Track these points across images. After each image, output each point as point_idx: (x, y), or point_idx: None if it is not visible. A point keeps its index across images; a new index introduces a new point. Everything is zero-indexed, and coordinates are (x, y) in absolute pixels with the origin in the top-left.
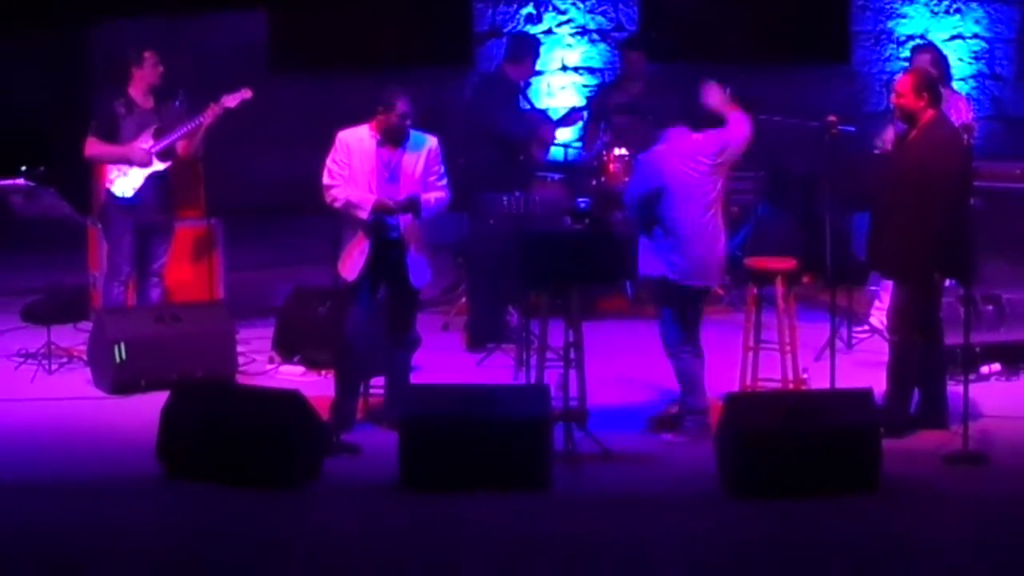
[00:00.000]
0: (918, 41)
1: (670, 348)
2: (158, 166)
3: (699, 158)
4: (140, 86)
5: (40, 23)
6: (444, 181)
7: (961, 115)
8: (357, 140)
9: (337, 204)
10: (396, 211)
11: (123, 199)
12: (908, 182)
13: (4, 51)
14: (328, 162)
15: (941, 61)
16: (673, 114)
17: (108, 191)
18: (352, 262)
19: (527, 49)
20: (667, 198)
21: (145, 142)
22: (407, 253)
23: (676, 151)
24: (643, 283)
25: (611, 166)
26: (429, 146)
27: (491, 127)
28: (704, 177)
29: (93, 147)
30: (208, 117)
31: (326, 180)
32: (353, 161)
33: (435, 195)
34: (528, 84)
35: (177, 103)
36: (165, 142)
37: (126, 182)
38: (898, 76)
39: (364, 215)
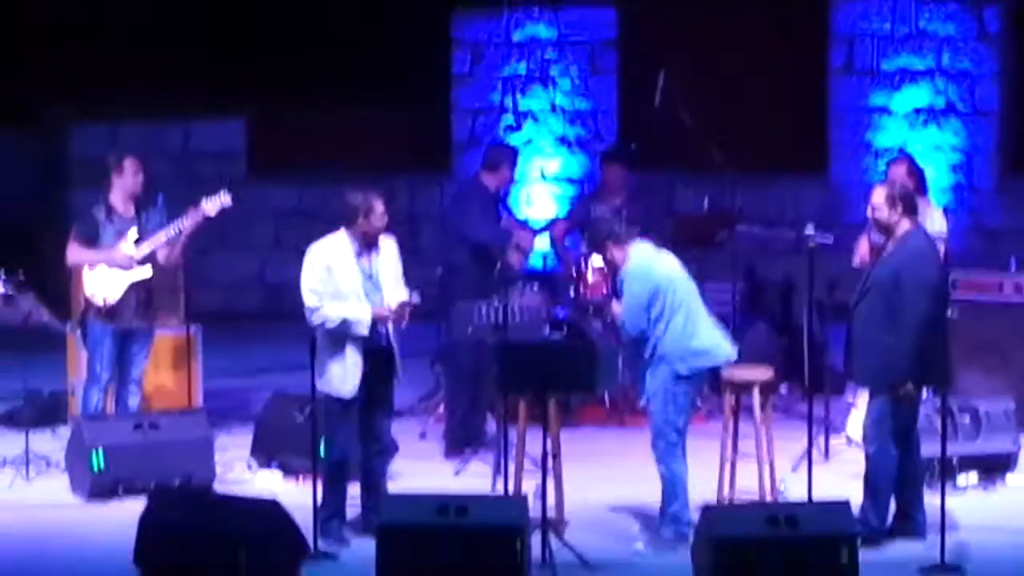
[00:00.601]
0: (895, 153)
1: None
2: (139, 272)
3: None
4: (120, 192)
5: (21, 122)
6: (402, 280)
7: (936, 226)
8: (336, 254)
9: (330, 325)
10: (393, 320)
11: (103, 306)
12: (884, 294)
13: None
14: (310, 282)
15: (917, 172)
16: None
17: (87, 297)
18: (347, 377)
19: (502, 157)
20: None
21: (126, 248)
22: (394, 359)
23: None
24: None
25: (590, 276)
26: (392, 246)
27: (467, 235)
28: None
29: (75, 253)
30: (188, 224)
31: (312, 302)
32: (335, 277)
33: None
34: (507, 192)
35: (157, 209)
36: (145, 249)
37: (106, 288)
38: (874, 189)
39: (364, 331)
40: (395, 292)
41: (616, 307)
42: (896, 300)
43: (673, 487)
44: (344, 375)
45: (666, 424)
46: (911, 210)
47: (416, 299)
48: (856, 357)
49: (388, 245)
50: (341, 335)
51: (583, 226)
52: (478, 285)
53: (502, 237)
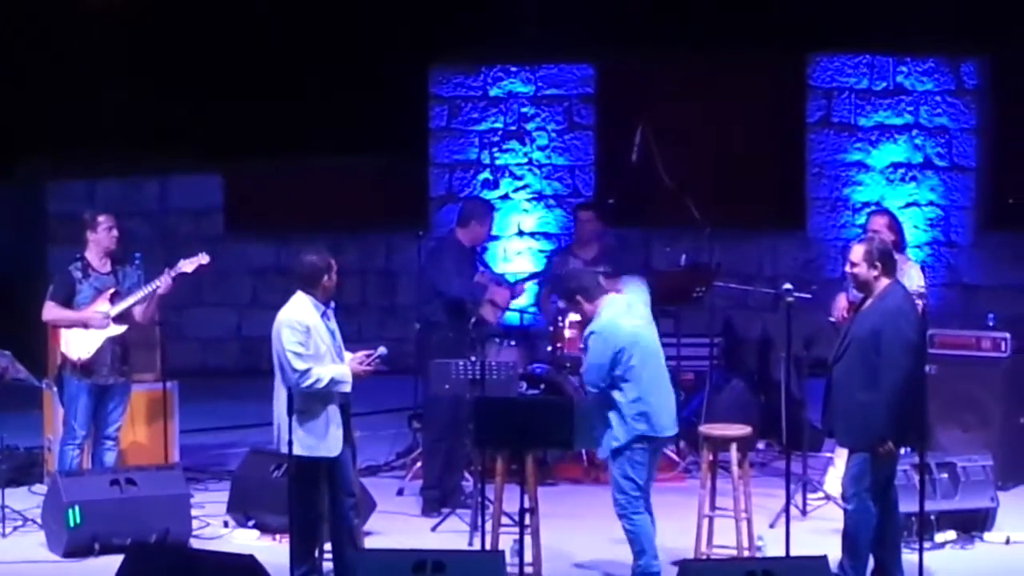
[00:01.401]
0: (873, 208)
1: (627, 508)
2: (114, 330)
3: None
4: (95, 250)
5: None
6: None
7: (914, 282)
8: (310, 318)
9: (320, 385)
10: (368, 374)
11: (78, 361)
12: (863, 351)
13: None
14: (293, 346)
15: (896, 227)
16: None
17: (63, 353)
18: (332, 437)
19: (475, 213)
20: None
21: (100, 307)
22: (350, 413)
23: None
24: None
25: (567, 332)
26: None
27: (440, 290)
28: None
29: (51, 312)
30: (164, 283)
31: (301, 365)
32: (313, 339)
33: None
34: (484, 248)
35: (135, 267)
36: (121, 307)
37: (82, 344)
38: (852, 245)
39: (348, 388)
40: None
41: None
42: (875, 357)
43: (639, 542)
44: (330, 435)
45: (625, 479)
46: (890, 267)
47: (383, 351)
48: (835, 414)
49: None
50: (324, 396)
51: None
52: (454, 341)
53: (475, 292)
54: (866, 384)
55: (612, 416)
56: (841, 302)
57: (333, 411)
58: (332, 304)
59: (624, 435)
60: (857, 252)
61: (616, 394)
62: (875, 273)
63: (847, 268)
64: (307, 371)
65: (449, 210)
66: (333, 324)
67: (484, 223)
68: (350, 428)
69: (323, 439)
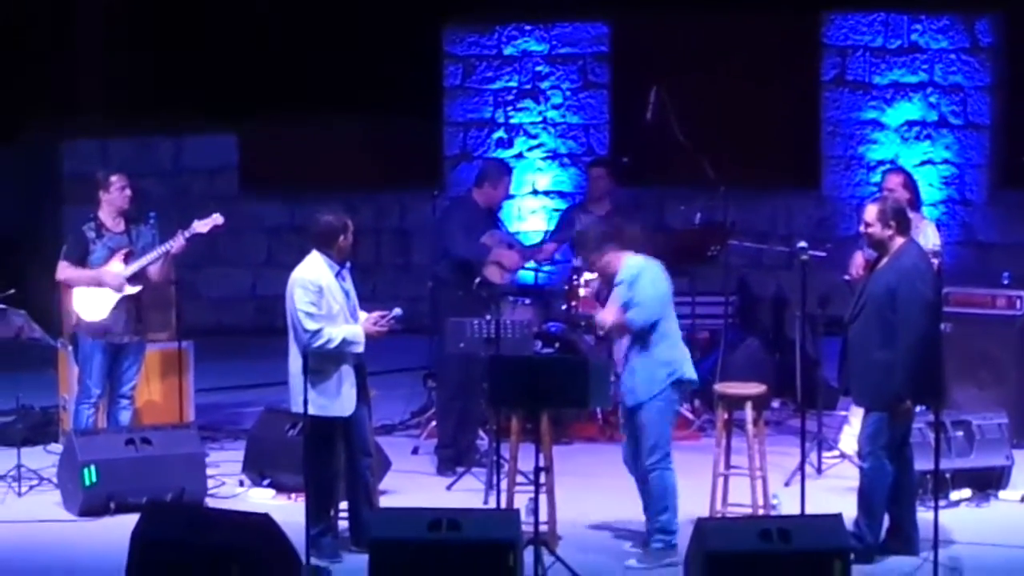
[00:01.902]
0: (888, 166)
1: (662, 462)
2: (129, 290)
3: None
4: (108, 209)
5: (12, 139)
6: None
7: (929, 241)
8: (324, 277)
9: (332, 345)
10: (381, 335)
11: (93, 322)
12: (879, 310)
13: None
14: (305, 306)
15: (912, 186)
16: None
17: (77, 313)
18: (345, 398)
19: (489, 174)
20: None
21: (115, 267)
22: (365, 372)
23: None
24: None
25: (581, 290)
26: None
27: (446, 250)
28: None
29: (65, 271)
30: (178, 243)
31: (312, 325)
32: (326, 299)
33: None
34: (499, 208)
35: (149, 227)
36: (135, 267)
37: (96, 304)
38: (867, 204)
39: (362, 348)
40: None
41: (605, 315)
42: (891, 316)
43: (665, 497)
44: (343, 395)
45: (658, 430)
46: (904, 226)
47: (399, 312)
48: (851, 373)
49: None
50: (337, 356)
51: (572, 237)
52: (462, 300)
53: (479, 253)
54: (882, 343)
55: (647, 362)
56: (858, 260)
57: (347, 371)
58: (348, 264)
59: (663, 378)
60: (871, 211)
61: (655, 337)
62: (889, 232)
63: (862, 227)
64: (319, 331)
65: (463, 169)
66: (348, 284)
67: (497, 185)
68: (366, 387)
69: (336, 399)
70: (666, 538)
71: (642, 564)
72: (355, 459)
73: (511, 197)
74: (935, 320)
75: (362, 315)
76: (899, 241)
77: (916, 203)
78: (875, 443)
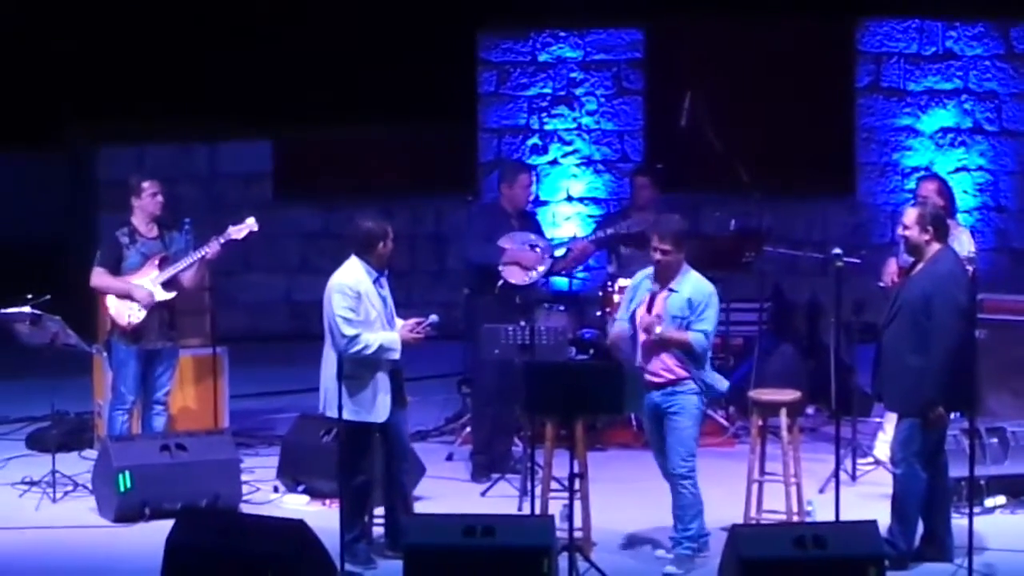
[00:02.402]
0: (923, 173)
1: (694, 471)
2: (163, 296)
3: None
4: (141, 215)
5: (49, 145)
6: None
7: (964, 247)
8: (362, 283)
9: (369, 351)
10: (418, 342)
11: (127, 327)
12: (914, 315)
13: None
14: (343, 311)
15: (947, 193)
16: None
17: (112, 319)
18: (379, 403)
19: (504, 175)
20: None
21: (149, 273)
22: (402, 377)
23: None
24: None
25: (615, 296)
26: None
27: (463, 257)
28: None
29: (98, 278)
30: (212, 250)
31: (350, 330)
32: (364, 305)
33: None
34: (528, 209)
35: (184, 232)
36: (169, 273)
37: (130, 310)
38: (905, 209)
39: (398, 355)
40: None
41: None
42: (926, 322)
43: (697, 504)
44: (376, 402)
45: (695, 441)
46: (942, 232)
47: (435, 319)
48: (885, 379)
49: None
50: (373, 362)
51: (610, 245)
52: (496, 307)
53: (491, 256)
54: (916, 348)
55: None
56: (891, 267)
57: (382, 378)
58: (386, 271)
59: (697, 394)
60: (910, 215)
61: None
62: (927, 237)
63: (899, 231)
64: (356, 337)
65: (498, 175)
66: (386, 291)
67: (513, 185)
68: (403, 393)
69: (370, 405)
70: (694, 545)
71: (680, 570)
72: (392, 465)
73: (534, 196)
74: (970, 326)
75: (399, 322)
76: (935, 247)
77: (951, 210)
78: (907, 449)
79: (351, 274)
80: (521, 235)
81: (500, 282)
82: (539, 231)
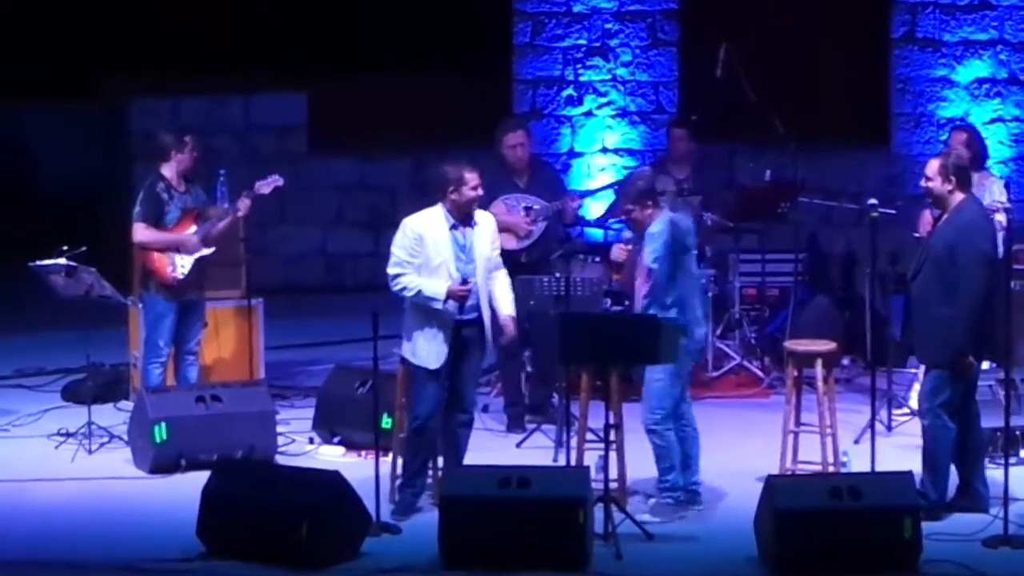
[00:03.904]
0: (956, 123)
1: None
2: (205, 251)
3: None
4: (177, 169)
5: (83, 97)
6: (500, 258)
7: (995, 197)
8: (430, 226)
9: (408, 292)
10: (465, 299)
11: (173, 282)
12: (939, 266)
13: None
14: (394, 249)
15: (977, 142)
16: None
17: (148, 272)
18: (433, 350)
19: (497, 130)
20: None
21: (187, 228)
22: (483, 335)
23: None
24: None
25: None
26: (490, 222)
27: None
28: None
29: (142, 233)
30: (244, 206)
31: (392, 269)
32: (427, 249)
33: (507, 282)
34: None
35: (219, 184)
36: (205, 229)
37: (175, 265)
38: (929, 161)
39: (439, 305)
40: (488, 268)
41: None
42: (951, 273)
43: (669, 458)
44: (429, 348)
45: (666, 396)
46: (965, 182)
47: (470, 289)
48: (913, 330)
49: (485, 220)
50: (430, 309)
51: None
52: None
53: None
54: (943, 299)
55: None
56: (926, 218)
57: (437, 325)
58: (474, 221)
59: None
60: (932, 166)
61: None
62: (949, 187)
63: (922, 182)
64: (396, 276)
65: (533, 127)
66: (468, 240)
67: (501, 145)
68: (476, 348)
69: (422, 350)
70: (675, 495)
71: (656, 518)
72: (451, 415)
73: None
74: (996, 274)
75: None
76: (959, 197)
77: (981, 160)
78: (933, 400)
79: (423, 216)
80: (517, 198)
81: None
82: (553, 186)
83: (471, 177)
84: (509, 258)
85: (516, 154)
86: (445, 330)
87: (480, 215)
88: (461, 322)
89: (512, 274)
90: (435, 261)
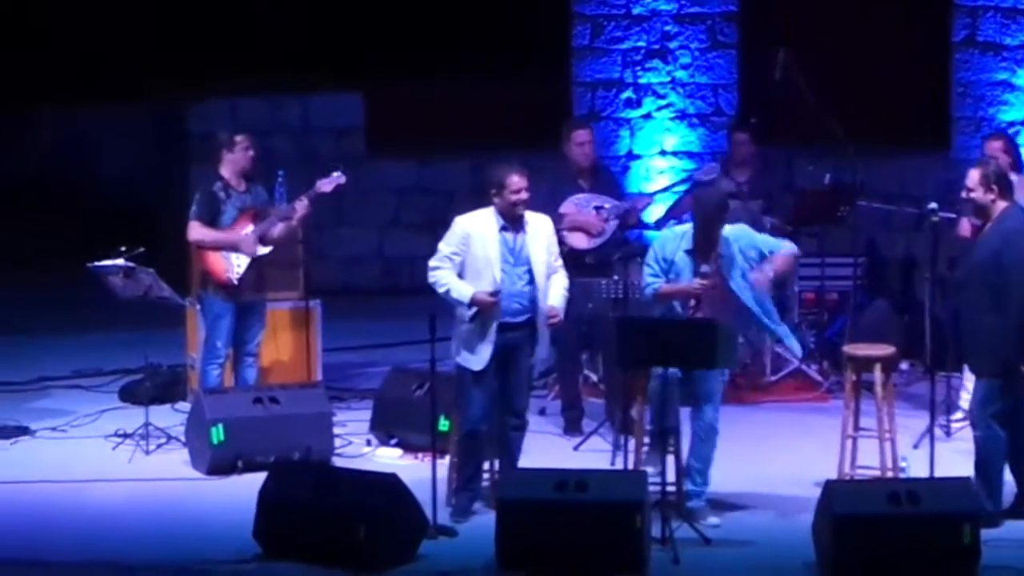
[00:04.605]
0: (990, 133)
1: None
2: (261, 251)
3: None
4: (232, 169)
5: (141, 99)
6: (560, 261)
7: None
8: (479, 226)
9: (440, 288)
10: (494, 303)
11: (228, 283)
12: (986, 275)
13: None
14: (441, 244)
15: (1012, 147)
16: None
17: (206, 273)
18: (476, 351)
19: (564, 130)
20: None
21: (244, 227)
22: (534, 338)
23: None
24: None
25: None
26: (547, 227)
27: None
28: None
29: (197, 232)
30: (299, 208)
31: (433, 261)
32: (473, 247)
33: (563, 283)
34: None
35: (277, 185)
36: (263, 229)
37: (231, 265)
38: (969, 170)
39: (465, 309)
40: (542, 272)
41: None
42: (999, 281)
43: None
44: (473, 349)
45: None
46: (1007, 190)
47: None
48: (963, 340)
49: (541, 223)
50: (478, 312)
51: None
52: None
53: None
54: (992, 308)
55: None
56: (965, 226)
57: (482, 327)
58: (524, 225)
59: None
60: (973, 177)
61: None
62: (992, 196)
63: (964, 193)
64: (434, 269)
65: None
66: (518, 243)
67: (568, 142)
68: (527, 351)
69: (470, 351)
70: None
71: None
72: (501, 418)
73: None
74: None
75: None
76: (1001, 205)
77: (1019, 164)
78: (985, 410)
79: (474, 216)
80: (587, 198)
81: (566, 248)
82: (613, 188)
83: (514, 181)
84: (575, 258)
85: (583, 151)
86: (489, 333)
87: (534, 218)
88: (508, 325)
89: (575, 274)
90: (480, 260)
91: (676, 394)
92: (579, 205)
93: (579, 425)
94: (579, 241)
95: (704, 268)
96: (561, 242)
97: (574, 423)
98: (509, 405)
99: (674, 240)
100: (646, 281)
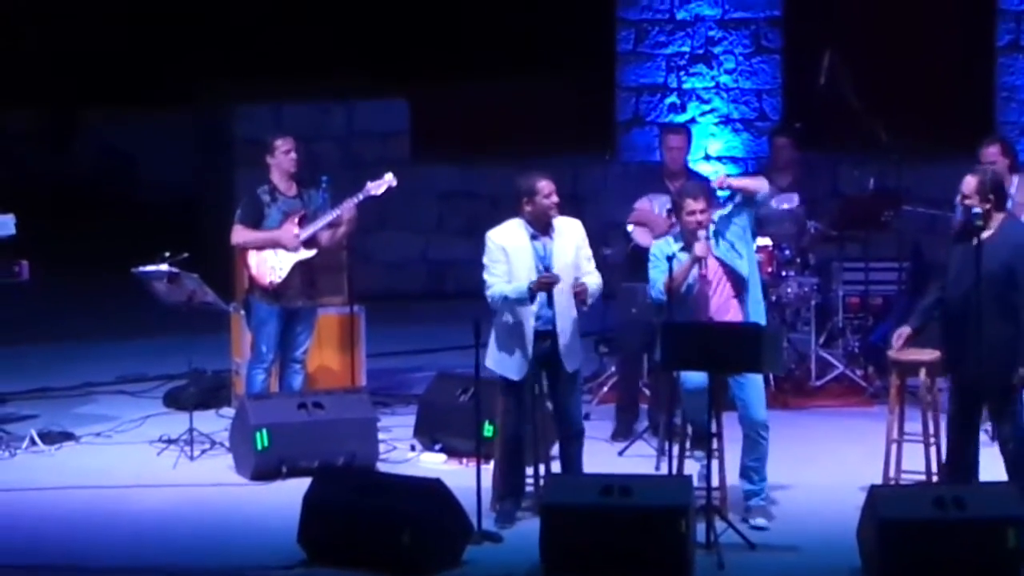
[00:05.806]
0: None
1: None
2: (304, 254)
3: None
4: (278, 173)
5: (187, 104)
6: (593, 263)
7: None
8: (510, 238)
9: (499, 300)
10: (555, 280)
11: (268, 286)
12: (998, 286)
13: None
14: (485, 261)
15: (1009, 150)
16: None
17: (253, 277)
18: (515, 361)
19: (661, 134)
20: None
21: (289, 231)
22: (559, 343)
23: None
24: None
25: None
26: (577, 231)
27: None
28: None
29: (240, 234)
30: (347, 209)
31: (486, 277)
32: (512, 259)
33: (595, 281)
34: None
35: (322, 190)
36: (309, 231)
37: (272, 268)
38: (965, 178)
39: (528, 304)
40: (573, 275)
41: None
42: (1011, 293)
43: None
44: (510, 358)
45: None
46: (1002, 200)
47: (556, 278)
48: (967, 347)
49: (570, 227)
50: (514, 320)
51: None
52: (625, 266)
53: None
54: (1005, 320)
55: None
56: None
57: (520, 336)
58: (552, 231)
59: None
60: (969, 184)
61: None
62: (988, 205)
63: (958, 200)
64: (489, 286)
65: (636, 134)
66: (548, 250)
67: (663, 141)
68: (557, 358)
69: (504, 359)
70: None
71: (767, 521)
72: (557, 427)
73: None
74: None
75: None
76: (999, 216)
77: (1019, 164)
78: (1014, 421)
79: (503, 229)
80: (666, 199)
81: (632, 244)
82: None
83: (543, 186)
84: (640, 257)
85: (672, 156)
86: (526, 342)
87: (562, 223)
88: (543, 333)
89: (641, 276)
90: (520, 273)
91: (713, 398)
92: (653, 203)
93: (632, 427)
94: (641, 236)
95: (701, 233)
96: (627, 233)
97: (627, 425)
98: (562, 415)
99: (666, 245)
100: (653, 279)
